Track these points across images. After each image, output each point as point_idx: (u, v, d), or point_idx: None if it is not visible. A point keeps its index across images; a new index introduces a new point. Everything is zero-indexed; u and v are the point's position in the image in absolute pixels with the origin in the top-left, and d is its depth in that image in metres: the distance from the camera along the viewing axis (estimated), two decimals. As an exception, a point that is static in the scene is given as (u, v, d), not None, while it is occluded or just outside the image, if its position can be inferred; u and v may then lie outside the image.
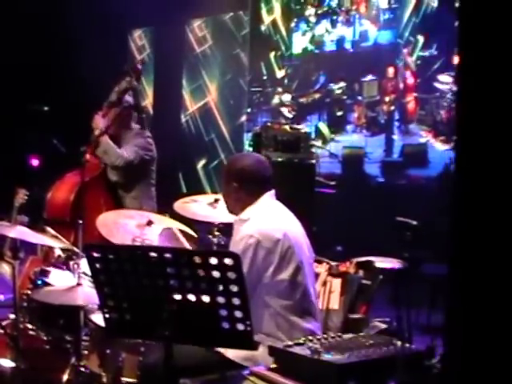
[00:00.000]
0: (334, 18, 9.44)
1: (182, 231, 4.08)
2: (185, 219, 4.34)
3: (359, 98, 9.15)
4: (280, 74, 10.10)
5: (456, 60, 7.96)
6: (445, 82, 8.13)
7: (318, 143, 9.03)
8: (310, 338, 2.86)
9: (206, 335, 2.68)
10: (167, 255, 2.60)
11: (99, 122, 5.32)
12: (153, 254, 2.62)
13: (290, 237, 3.33)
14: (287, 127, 6.20)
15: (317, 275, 4.02)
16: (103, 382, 3.68)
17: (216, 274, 2.54)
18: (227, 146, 10.57)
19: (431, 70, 8.26)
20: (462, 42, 2.20)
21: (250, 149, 6.46)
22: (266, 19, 10.28)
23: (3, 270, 5.09)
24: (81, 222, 3.98)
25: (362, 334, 3.18)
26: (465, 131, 2.18)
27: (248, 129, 10.18)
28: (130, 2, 9.78)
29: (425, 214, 5.02)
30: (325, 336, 2.92)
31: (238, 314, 2.57)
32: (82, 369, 3.71)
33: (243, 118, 10.50)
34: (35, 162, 10.01)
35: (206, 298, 2.59)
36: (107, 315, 2.76)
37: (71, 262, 3.97)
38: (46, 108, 9.04)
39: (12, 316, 3.96)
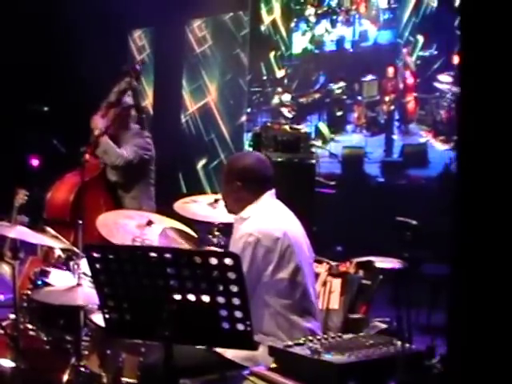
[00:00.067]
0: (334, 17, 9.44)
1: (182, 231, 4.08)
2: (185, 219, 4.34)
3: (359, 97, 9.15)
4: (280, 73, 10.11)
5: (456, 60, 7.99)
6: (445, 81, 8.14)
7: (318, 143, 9.03)
8: (310, 338, 2.86)
9: (206, 335, 2.68)
10: (167, 255, 2.60)
11: (98, 123, 5.33)
12: (153, 254, 2.62)
13: (290, 236, 3.33)
14: (287, 127, 6.20)
15: (317, 275, 4.02)
16: (103, 382, 3.68)
17: (216, 274, 2.54)
18: (227, 146, 10.58)
19: (431, 69, 8.26)
20: (463, 42, 2.20)
21: (250, 149, 6.45)
22: (266, 19, 10.28)
23: (3, 271, 5.09)
24: (81, 222, 3.98)
25: (362, 334, 3.19)
26: (466, 130, 2.18)
27: (248, 129, 10.18)
28: (130, 2, 9.78)
29: (425, 214, 5.01)
30: (325, 336, 2.92)
31: (238, 314, 2.57)
32: (82, 369, 3.71)
33: (243, 118, 10.50)
34: (35, 162, 10.01)
35: (206, 298, 2.59)
36: (107, 315, 2.76)
37: (71, 263, 3.97)
38: (45, 108, 9.04)
39: (12, 316, 3.96)
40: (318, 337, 2.91)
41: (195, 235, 4.25)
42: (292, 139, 5.98)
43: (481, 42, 2.11)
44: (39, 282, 3.99)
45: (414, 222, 3.60)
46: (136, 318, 2.72)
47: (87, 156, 4.92)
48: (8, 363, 3.73)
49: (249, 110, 10.46)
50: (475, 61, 2.12)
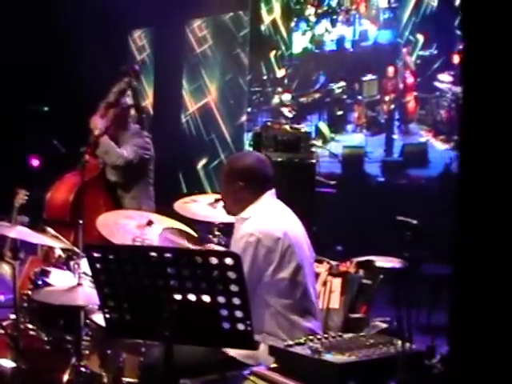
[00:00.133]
0: (334, 17, 9.44)
1: (182, 231, 4.08)
2: (185, 219, 4.34)
3: (359, 97, 9.15)
4: (280, 73, 10.11)
5: (456, 59, 7.98)
6: (445, 81, 8.13)
7: (318, 143, 9.02)
8: (311, 337, 2.86)
9: (207, 335, 2.68)
10: (167, 255, 2.60)
11: (98, 123, 5.32)
12: (153, 254, 2.62)
13: (291, 236, 3.33)
14: (287, 127, 6.20)
15: (317, 275, 4.02)
16: (104, 382, 3.68)
17: (216, 273, 2.54)
18: (227, 145, 10.58)
19: (431, 69, 8.26)
20: (464, 40, 2.20)
21: (251, 149, 6.45)
22: (266, 19, 10.29)
23: (3, 271, 5.09)
24: (81, 222, 3.98)
25: (362, 333, 3.19)
26: (468, 129, 2.17)
27: (248, 129, 10.18)
28: (130, 2, 9.78)
29: (425, 214, 5.00)
30: (325, 336, 2.92)
31: (239, 313, 2.57)
32: (83, 369, 3.71)
33: (243, 117, 10.50)
34: (35, 163, 10.03)
35: (206, 298, 2.59)
36: (107, 315, 2.76)
37: (71, 262, 3.97)
38: (46, 108, 9.06)
39: (12, 316, 3.96)
40: (319, 336, 2.91)
41: (195, 235, 4.25)
42: (292, 139, 5.98)
43: (482, 40, 2.11)
44: (39, 282, 3.99)
45: (415, 222, 3.60)
46: (136, 317, 2.72)
47: (87, 156, 4.92)
48: (8, 363, 3.73)
49: (249, 109, 10.46)
50: (477, 60, 2.12)
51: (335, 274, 4.23)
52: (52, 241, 4.06)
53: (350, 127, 9.28)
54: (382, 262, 4.28)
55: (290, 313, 3.29)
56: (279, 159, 5.76)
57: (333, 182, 7.05)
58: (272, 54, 10.14)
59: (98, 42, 9.72)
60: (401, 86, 8.66)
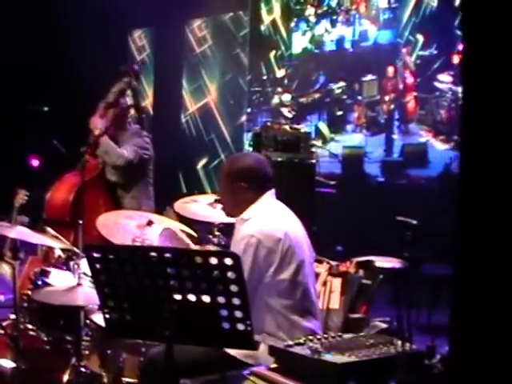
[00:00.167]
0: (334, 17, 9.44)
1: (182, 231, 4.08)
2: (185, 219, 4.34)
3: (359, 97, 9.15)
4: (280, 73, 10.11)
5: (456, 59, 7.98)
6: (445, 81, 8.13)
7: (318, 143, 9.02)
8: (311, 337, 2.86)
9: (207, 335, 2.68)
10: (167, 255, 2.60)
11: (97, 123, 5.32)
12: (153, 254, 2.62)
13: (291, 236, 3.33)
14: (287, 127, 6.19)
15: (317, 275, 4.02)
16: (104, 382, 3.68)
17: (216, 273, 2.54)
18: (227, 146, 10.58)
19: (431, 69, 8.26)
20: (464, 40, 2.20)
21: (250, 149, 6.45)
22: (266, 19, 10.29)
23: (3, 271, 5.09)
24: (81, 222, 3.98)
25: (362, 333, 3.18)
26: (468, 129, 2.17)
27: (248, 129, 10.18)
28: (130, 2, 9.78)
29: (425, 214, 5.01)
30: (325, 336, 2.92)
31: (239, 313, 2.57)
32: (83, 369, 3.71)
33: (243, 118, 10.50)
34: (35, 163, 10.03)
35: (206, 298, 2.59)
36: (107, 315, 2.75)
37: (71, 263, 3.97)
38: (46, 108, 9.06)
39: (12, 316, 3.96)
40: (319, 336, 2.91)
41: (195, 235, 4.25)
42: (292, 139, 5.98)
43: (482, 40, 2.11)
44: (39, 282, 3.99)
45: (415, 222, 3.60)
46: (136, 318, 2.71)
47: (87, 156, 4.92)
48: (8, 363, 3.73)
49: (249, 109, 10.46)
50: (477, 60, 2.12)
51: (335, 274, 4.23)
52: (52, 241, 4.06)
53: (349, 127, 9.28)
54: (382, 262, 4.28)
55: (290, 313, 3.29)
56: (279, 159, 5.76)
57: (333, 182, 7.05)
58: (272, 54, 10.14)
59: (97, 42, 9.72)
60: (401, 86, 8.66)
